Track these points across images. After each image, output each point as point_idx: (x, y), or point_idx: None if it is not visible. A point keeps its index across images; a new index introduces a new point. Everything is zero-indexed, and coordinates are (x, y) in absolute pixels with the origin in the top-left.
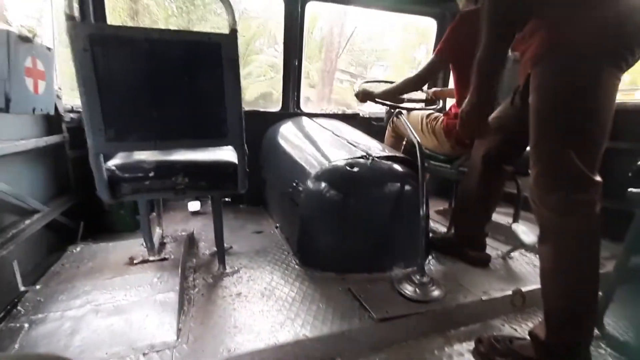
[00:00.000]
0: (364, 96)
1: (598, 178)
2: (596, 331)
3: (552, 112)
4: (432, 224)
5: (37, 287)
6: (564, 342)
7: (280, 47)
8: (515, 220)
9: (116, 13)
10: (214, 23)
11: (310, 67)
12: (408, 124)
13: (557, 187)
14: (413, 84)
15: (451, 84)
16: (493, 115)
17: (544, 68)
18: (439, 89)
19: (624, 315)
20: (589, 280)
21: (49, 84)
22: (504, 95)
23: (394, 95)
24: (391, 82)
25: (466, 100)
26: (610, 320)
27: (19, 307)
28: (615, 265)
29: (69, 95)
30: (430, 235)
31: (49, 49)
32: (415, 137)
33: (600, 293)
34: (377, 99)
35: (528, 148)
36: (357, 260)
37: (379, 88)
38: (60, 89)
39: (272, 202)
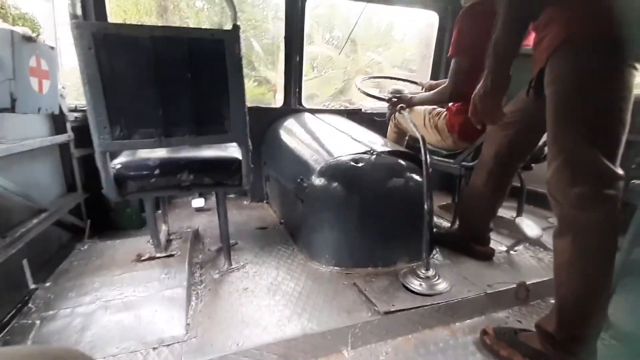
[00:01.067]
0: (400, 103)
1: (620, 171)
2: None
3: (571, 104)
4: (435, 218)
5: (47, 284)
6: (573, 335)
7: (335, 34)
8: (519, 214)
9: (142, 10)
10: (249, 15)
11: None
12: (411, 119)
13: (579, 181)
14: (449, 95)
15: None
16: (505, 109)
17: (560, 60)
18: (434, 82)
19: (627, 306)
20: (604, 275)
21: (53, 84)
22: (512, 91)
23: (427, 104)
24: (395, 78)
25: (479, 84)
26: (614, 311)
27: (30, 305)
28: (618, 256)
29: (71, 94)
30: (435, 229)
31: (52, 48)
32: (419, 132)
33: None
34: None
35: (540, 142)
36: (362, 255)
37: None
38: (63, 88)
39: (276, 198)
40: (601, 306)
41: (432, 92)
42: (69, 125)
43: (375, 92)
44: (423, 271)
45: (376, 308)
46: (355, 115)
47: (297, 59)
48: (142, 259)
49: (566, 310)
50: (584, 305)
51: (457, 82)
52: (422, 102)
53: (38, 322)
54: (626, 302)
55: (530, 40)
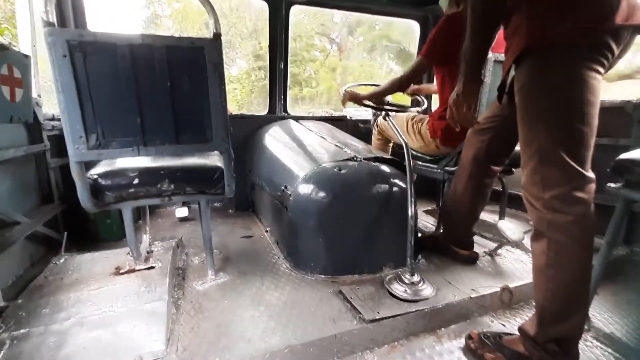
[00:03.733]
0: (350, 98)
1: (591, 174)
2: None
3: (538, 110)
4: (420, 223)
5: (19, 301)
6: (554, 338)
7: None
8: (501, 217)
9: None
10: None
11: None
12: (395, 125)
13: (550, 185)
14: (398, 84)
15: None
16: (483, 116)
17: (525, 67)
18: (416, 86)
19: (608, 307)
20: (582, 277)
21: (26, 92)
22: (492, 97)
23: (380, 97)
24: (377, 85)
25: (454, 89)
26: (596, 312)
27: (0, 324)
28: (597, 258)
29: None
30: (419, 234)
31: (26, 56)
32: (403, 138)
33: None
34: (363, 101)
35: (517, 147)
36: (347, 262)
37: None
38: (39, 96)
39: (261, 206)
40: (580, 308)
41: (384, 83)
42: (45, 135)
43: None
44: (408, 277)
45: (361, 316)
46: (340, 122)
47: (282, 66)
48: (121, 272)
49: (546, 313)
50: (563, 307)
51: (409, 75)
52: (374, 95)
53: (8, 342)
54: (607, 303)
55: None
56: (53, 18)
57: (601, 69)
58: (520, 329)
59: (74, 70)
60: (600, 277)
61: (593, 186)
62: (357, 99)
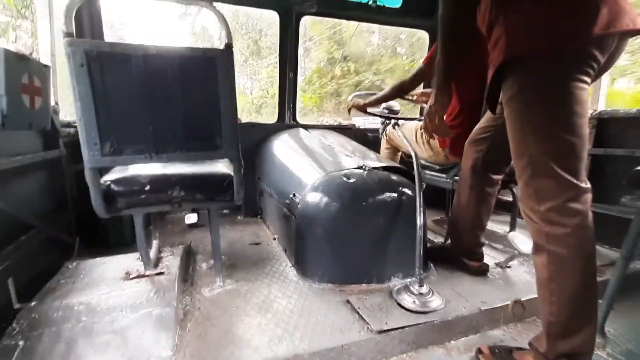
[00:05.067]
0: (354, 107)
1: (585, 185)
2: (598, 339)
3: (526, 122)
4: (429, 233)
5: (32, 304)
6: (564, 353)
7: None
8: (512, 228)
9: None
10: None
11: None
12: (403, 134)
13: (544, 197)
14: (397, 90)
15: None
16: (477, 126)
17: (511, 79)
18: (420, 90)
19: (625, 322)
20: (586, 289)
21: (45, 100)
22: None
23: (381, 102)
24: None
25: (428, 102)
26: (612, 328)
27: (14, 325)
28: (613, 272)
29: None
30: (428, 245)
31: (46, 66)
32: (412, 147)
33: (600, 301)
34: (368, 109)
35: None
36: (355, 271)
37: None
38: (57, 104)
39: (270, 213)
40: (589, 321)
41: (387, 89)
42: (61, 141)
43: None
44: (417, 288)
45: (369, 326)
46: (348, 131)
47: (292, 75)
48: (131, 276)
49: (553, 328)
50: (570, 321)
51: (410, 81)
52: (376, 100)
53: (21, 343)
54: (624, 318)
55: None
56: (72, 30)
57: (587, 79)
58: (530, 344)
59: (91, 79)
60: (617, 292)
61: (589, 196)
62: (360, 107)
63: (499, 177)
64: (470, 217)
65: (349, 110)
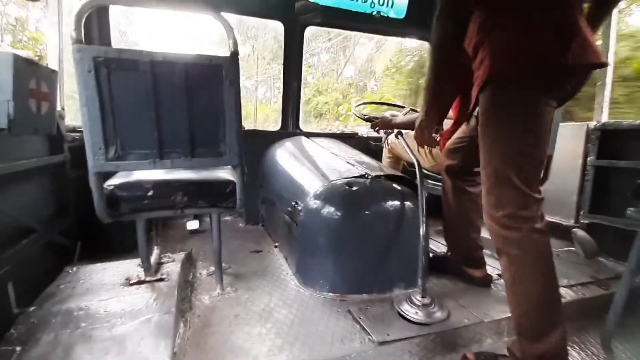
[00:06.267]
0: (382, 126)
1: (539, 195)
2: (604, 353)
3: (493, 136)
4: (431, 243)
5: (31, 309)
6: (537, 356)
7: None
8: None
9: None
10: None
11: None
12: (407, 144)
13: (502, 204)
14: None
15: None
16: (454, 136)
17: (486, 95)
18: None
19: (631, 336)
20: (549, 290)
21: (51, 105)
22: None
23: (411, 126)
24: (385, 103)
25: (418, 115)
26: (618, 342)
27: (12, 330)
28: (619, 286)
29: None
30: (431, 255)
31: (53, 71)
32: (414, 156)
33: (606, 315)
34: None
35: None
36: (357, 281)
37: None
38: (63, 109)
39: (272, 221)
40: (557, 323)
41: (412, 115)
42: (66, 146)
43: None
44: (419, 298)
45: (371, 337)
46: (351, 139)
47: (295, 84)
48: (131, 282)
49: (523, 330)
50: (538, 323)
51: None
52: (403, 124)
53: (19, 348)
54: (630, 333)
55: None
56: (82, 36)
57: (553, 102)
58: (508, 349)
59: (98, 85)
60: (623, 307)
61: (540, 204)
62: (391, 126)
63: (476, 178)
64: (462, 219)
65: (380, 128)
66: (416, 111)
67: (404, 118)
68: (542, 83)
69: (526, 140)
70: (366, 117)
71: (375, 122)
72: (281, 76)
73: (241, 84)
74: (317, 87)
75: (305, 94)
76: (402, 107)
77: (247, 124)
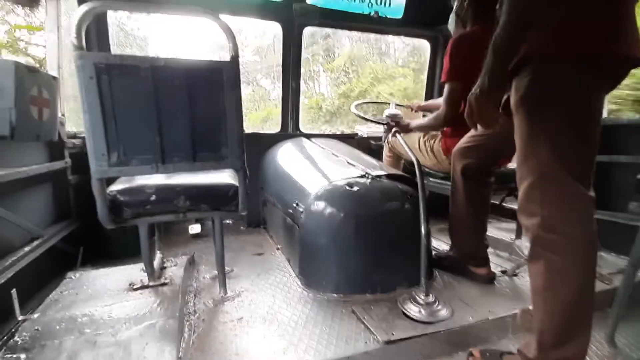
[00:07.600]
0: (402, 130)
1: (591, 194)
2: (608, 348)
3: (539, 124)
4: (434, 241)
5: (35, 315)
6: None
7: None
8: (518, 236)
9: None
10: None
11: None
12: (406, 142)
13: (548, 202)
14: (443, 119)
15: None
16: (467, 135)
17: (527, 76)
18: (423, 102)
19: (635, 331)
20: (582, 300)
21: (52, 112)
22: None
23: (427, 130)
24: (386, 103)
25: (476, 84)
26: (622, 337)
27: (16, 337)
28: (622, 280)
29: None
30: (433, 253)
31: (54, 78)
32: (414, 155)
33: (608, 309)
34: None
35: (510, 164)
36: (360, 281)
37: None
38: (63, 115)
39: (273, 223)
40: (582, 332)
41: (428, 117)
42: (67, 152)
43: (372, 117)
44: (423, 297)
45: (375, 337)
46: (351, 140)
47: (294, 85)
48: (134, 287)
49: (545, 337)
50: (563, 331)
51: (451, 105)
52: (420, 128)
53: (23, 356)
54: (634, 328)
55: None
56: (83, 43)
57: (606, 90)
58: (519, 351)
59: (100, 91)
60: (626, 301)
61: (593, 205)
62: (406, 130)
63: (490, 179)
64: (470, 221)
65: (391, 131)
66: (402, 106)
67: (421, 121)
68: (599, 68)
69: (579, 129)
70: (382, 120)
71: (395, 130)
72: (289, 77)
73: (258, 84)
74: (373, 73)
75: (361, 83)
76: (402, 105)
77: (269, 125)
